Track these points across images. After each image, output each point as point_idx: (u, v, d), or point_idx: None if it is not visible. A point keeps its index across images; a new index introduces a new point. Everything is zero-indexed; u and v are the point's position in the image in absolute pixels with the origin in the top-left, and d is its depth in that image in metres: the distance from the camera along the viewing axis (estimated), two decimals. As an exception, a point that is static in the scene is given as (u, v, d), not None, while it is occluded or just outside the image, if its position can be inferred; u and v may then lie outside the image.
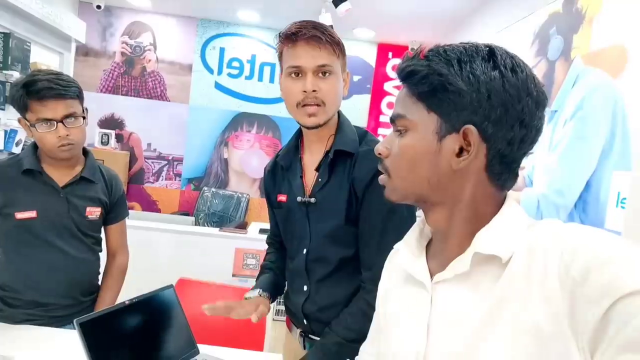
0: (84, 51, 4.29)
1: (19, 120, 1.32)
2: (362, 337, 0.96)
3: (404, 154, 0.63)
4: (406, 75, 0.62)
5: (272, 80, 4.56)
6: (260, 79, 4.55)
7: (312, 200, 1.09)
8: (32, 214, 1.31)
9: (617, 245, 0.48)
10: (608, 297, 0.45)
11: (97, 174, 1.45)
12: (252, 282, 2.42)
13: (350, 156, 1.07)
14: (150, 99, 4.46)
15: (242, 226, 4.06)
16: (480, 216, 0.60)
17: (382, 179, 0.67)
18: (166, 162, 4.54)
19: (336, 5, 3.14)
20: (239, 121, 4.56)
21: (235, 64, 4.52)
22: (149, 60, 4.43)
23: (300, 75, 1.03)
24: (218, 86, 4.51)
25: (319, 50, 1.02)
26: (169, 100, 4.48)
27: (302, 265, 1.13)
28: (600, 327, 0.45)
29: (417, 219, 0.74)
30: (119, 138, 4.44)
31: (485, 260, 0.57)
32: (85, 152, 1.46)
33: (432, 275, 0.64)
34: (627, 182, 1.44)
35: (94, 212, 1.42)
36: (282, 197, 1.18)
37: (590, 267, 0.47)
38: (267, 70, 4.55)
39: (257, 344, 1.71)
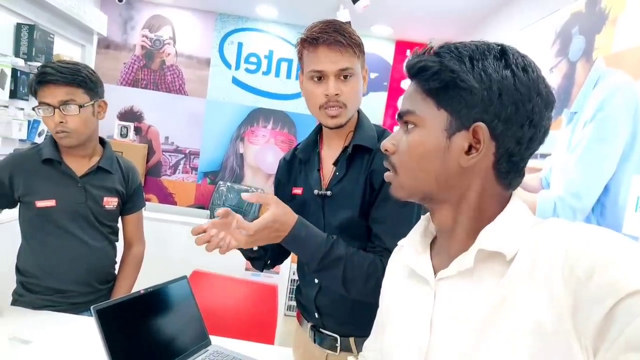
0: (105, 44, 4.36)
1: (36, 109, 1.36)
2: (347, 277, 0.97)
3: (412, 151, 0.62)
4: (417, 71, 0.61)
5: (288, 76, 4.57)
6: (277, 74, 4.56)
7: (329, 193, 1.11)
8: (51, 202, 1.35)
9: (622, 245, 0.48)
10: (612, 296, 0.45)
11: (115, 165, 1.48)
12: (264, 276, 2.44)
13: (369, 152, 1.08)
14: (168, 93, 4.51)
15: (256, 220, 4.08)
16: (485, 214, 0.61)
17: (388, 175, 0.67)
18: (183, 155, 4.60)
19: (354, 2, 3.13)
20: (255, 116, 4.58)
21: (253, 59, 4.54)
22: (168, 54, 4.47)
23: (322, 79, 1.05)
24: (235, 81, 4.54)
25: (340, 55, 1.02)
26: (187, 94, 4.52)
27: None
28: (604, 326, 0.45)
29: (422, 215, 0.74)
30: (137, 131, 4.50)
31: (489, 257, 0.58)
32: (103, 143, 1.49)
33: (435, 272, 0.64)
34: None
35: (111, 202, 1.45)
36: (298, 190, 1.19)
37: (594, 266, 0.47)
38: (284, 66, 4.55)
39: (267, 338, 1.73)
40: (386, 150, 0.66)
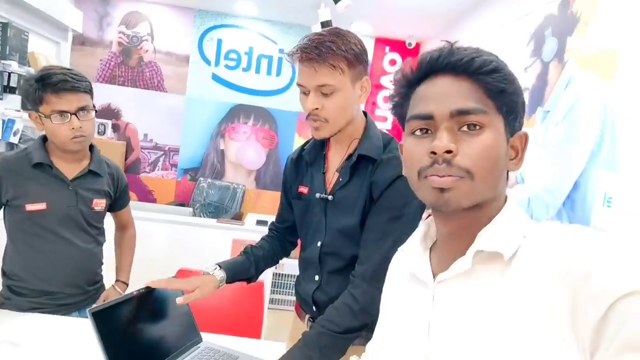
0: (80, 40, 4.27)
1: (30, 115, 1.35)
2: (345, 330, 1.00)
3: (489, 153, 0.56)
4: (479, 66, 0.56)
5: (269, 72, 4.57)
6: (257, 71, 4.56)
7: (330, 198, 1.12)
8: (42, 205, 1.35)
9: (619, 247, 0.49)
10: (608, 297, 0.45)
11: (103, 167, 1.49)
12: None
13: (373, 162, 1.08)
14: (147, 90, 4.45)
15: (238, 217, 4.09)
16: (487, 215, 0.59)
17: (452, 182, 0.56)
18: (162, 152, 4.56)
19: (336, 2, 3.15)
20: (235, 113, 4.57)
21: (233, 55, 4.52)
22: (146, 51, 4.41)
23: (306, 92, 1.06)
24: (215, 77, 4.52)
25: (314, 71, 1.01)
26: (166, 91, 4.48)
27: (316, 257, 1.17)
28: (600, 327, 0.45)
29: (421, 221, 0.74)
30: (115, 128, 4.44)
31: (487, 259, 0.57)
32: (90, 146, 1.49)
33: (435, 276, 0.63)
34: (614, 183, 1.51)
35: (99, 204, 1.47)
36: (304, 189, 1.21)
37: (591, 268, 0.47)
38: (264, 62, 4.55)
39: (255, 332, 1.76)
40: (449, 151, 0.56)
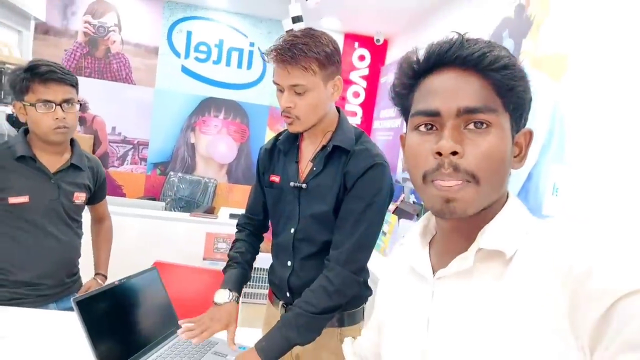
0: (44, 29, 4.15)
1: (14, 105, 1.37)
2: (321, 311, 1.08)
3: (494, 154, 0.54)
4: (490, 62, 0.53)
5: (240, 65, 4.57)
6: (228, 64, 4.55)
7: (304, 186, 1.18)
8: (25, 198, 1.37)
9: (620, 247, 0.49)
10: (610, 296, 0.44)
11: (84, 161, 1.53)
12: (223, 265, 2.53)
13: (346, 152, 1.16)
14: (114, 82, 4.37)
15: (210, 211, 4.11)
16: (489, 213, 0.58)
17: (459, 188, 0.54)
18: (131, 146, 4.50)
19: (306, -3, 3.18)
20: (206, 106, 4.56)
21: (203, 48, 4.49)
22: (114, 42, 4.33)
23: (281, 90, 1.12)
24: (185, 70, 4.48)
25: (287, 72, 1.07)
26: (134, 83, 4.41)
27: (289, 243, 1.23)
28: (601, 326, 0.45)
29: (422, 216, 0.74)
30: (81, 121, 4.34)
31: (489, 257, 0.57)
32: (71, 140, 1.52)
33: (434, 271, 0.63)
34: (562, 174, 1.65)
35: (80, 197, 1.50)
36: (275, 178, 1.26)
37: (593, 267, 0.47)
38: (235, 55, 4.55)
39: (231, 322, 1.82)
40: (455, 153, 0.54)
